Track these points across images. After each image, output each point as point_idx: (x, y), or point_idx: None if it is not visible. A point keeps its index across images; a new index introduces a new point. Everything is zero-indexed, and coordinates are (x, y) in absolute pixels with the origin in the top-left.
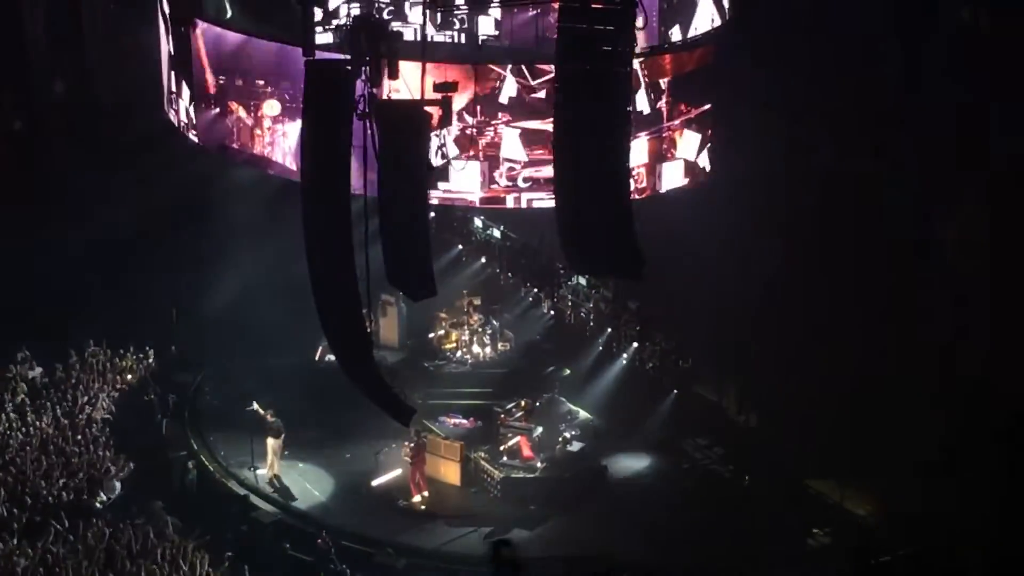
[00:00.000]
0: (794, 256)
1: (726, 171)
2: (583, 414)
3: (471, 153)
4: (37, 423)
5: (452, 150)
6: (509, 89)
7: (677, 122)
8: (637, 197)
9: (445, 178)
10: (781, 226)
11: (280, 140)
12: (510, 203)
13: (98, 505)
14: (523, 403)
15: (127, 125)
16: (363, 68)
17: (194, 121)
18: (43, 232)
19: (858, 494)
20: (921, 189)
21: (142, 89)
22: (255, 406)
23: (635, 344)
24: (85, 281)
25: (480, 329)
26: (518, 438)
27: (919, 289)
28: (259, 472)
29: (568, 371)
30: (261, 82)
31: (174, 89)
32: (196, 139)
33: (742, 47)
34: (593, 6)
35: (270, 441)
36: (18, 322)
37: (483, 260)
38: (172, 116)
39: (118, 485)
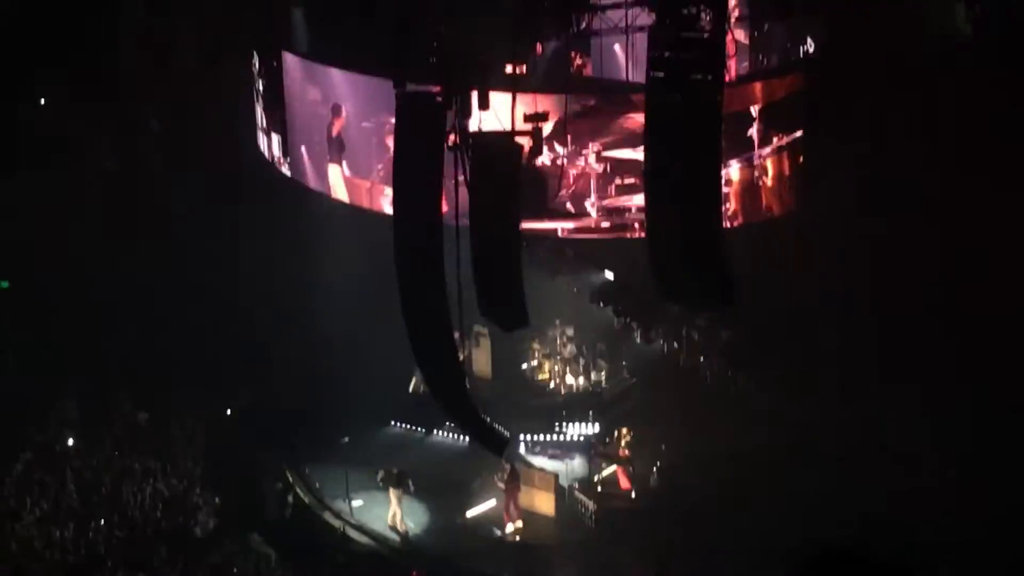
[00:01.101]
0: (887, 287)
1: (818, 199)
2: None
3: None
4: (135, 456)
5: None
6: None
7: (768, 150)
8: (728, 225)
9: (538, 208)
10: (874, 257)
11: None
12: (601, 233)
13: (197, 534)
14: (619, 433)
15: (223, 160)
16: (454, 99)
17: (286, 155)
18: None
19: None
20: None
21: (237, 124)
22: (380, 475)
23: (729, 373)
24: (185, 315)
25: (573, 359)
26: (613, 468)
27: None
28: (355, 504)
29: (664, 400)
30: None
31: (266, 123)
32: (288, 172)
33: (834, 74)
34: (683, 35)
35: (392, 491)
36: (121, 357)
37: (575, 290)
38: (265, 150)
39: (213, 519)
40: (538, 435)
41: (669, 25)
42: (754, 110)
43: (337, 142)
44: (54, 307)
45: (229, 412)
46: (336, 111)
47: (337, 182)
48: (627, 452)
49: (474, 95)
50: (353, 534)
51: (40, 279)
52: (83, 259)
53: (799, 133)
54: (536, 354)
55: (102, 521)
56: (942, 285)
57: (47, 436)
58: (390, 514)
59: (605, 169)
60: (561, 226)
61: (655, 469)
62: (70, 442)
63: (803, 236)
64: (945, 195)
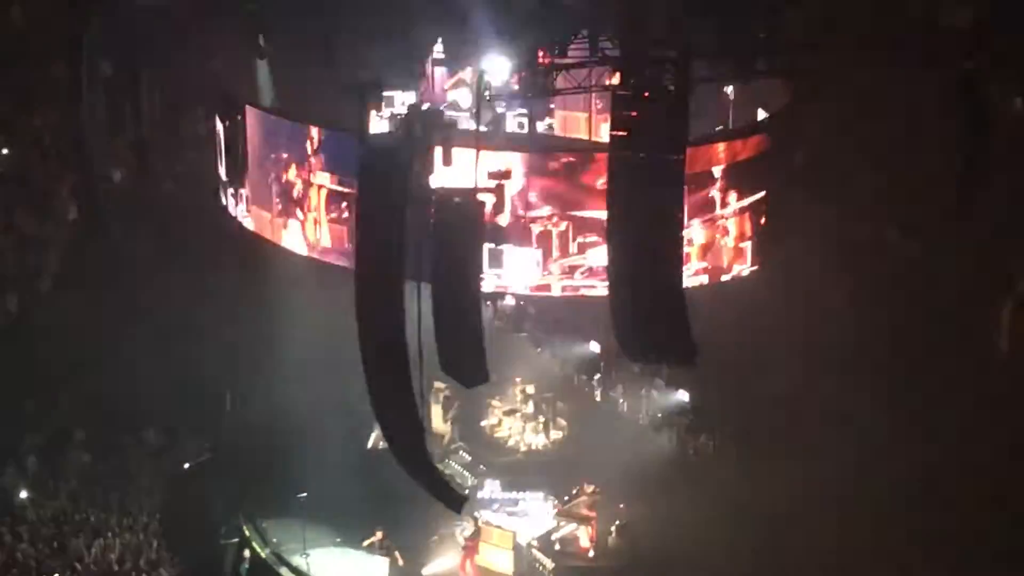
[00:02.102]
0: (848, 346)
1: (779, 259)
2: (635, 504)
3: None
4: (91, 509)
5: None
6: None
7: (731, 210)
8: (690, 284)
9: (499, 265)
10: (834, 316)
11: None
12: (561, 291)
13: None
14: (579, 490)
15: (184, 212)
16: (417, 155)
17: (246, 207)
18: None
19: None
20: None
21: (198, 176)
22: (366, 543)
23: (687, 432)
24: (144, 366)
25: (533, 417)
26: (572, 526)
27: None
28: (311, 559)
29: (622, 459)
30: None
31: (226, 176)
32: (249, 225)
33: (798, 135)
34: (646, 95)
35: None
36: (77, 406)
37: (538, 349)
38: (226, 202)
39: (170, 572)
40: (497, 492)
41: (633, 85)
42: (717, 170)
43: (293, 197)
44: (10, 357)
45: (187, 466)
46: (289, 164)
47: (296, 236)
48: (586, 511)
49: (437, 151)
50: None
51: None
52: (41, 309)
53: (762, 193)
54: (496, 411)
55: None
56: (904, 344)
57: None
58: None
59: (567, 228)
60: (523, 284)
61: (614, 528)
62: (23, 494)
63: (766, 296)
64: (908, 256)
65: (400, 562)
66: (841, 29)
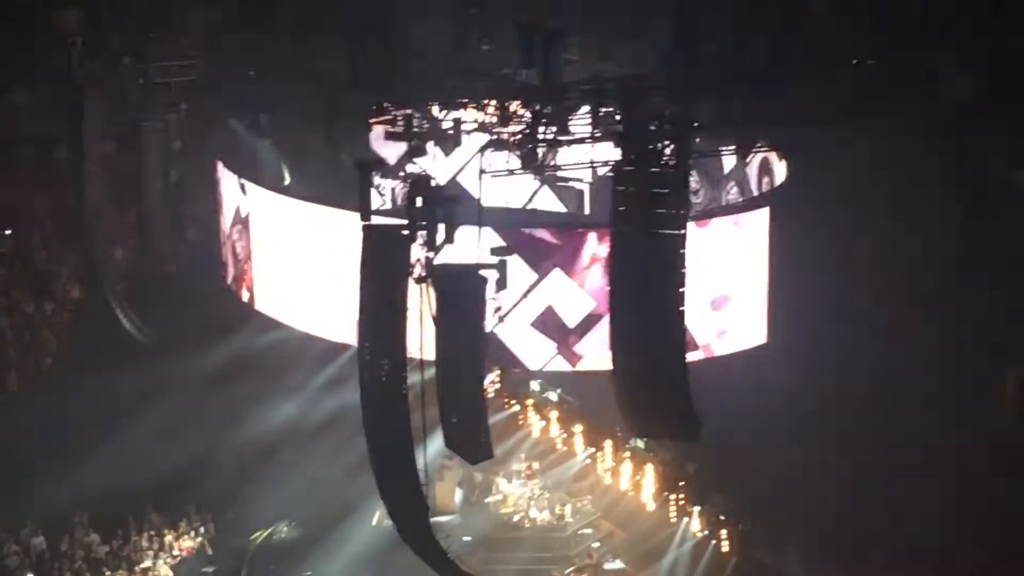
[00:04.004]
0: (854, 416)
1: (783, 334)
2: None
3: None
4: None
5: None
6: None
7: (736, 282)
8: (693, 359)
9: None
10: (841, 386)
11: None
12: (566, 366)
13: None
14: (584, 563)
15: (186, 292)
16: (419, 232)
17: (250, 286)
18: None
19: None
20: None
21: (201, 255)
22: None
23: (694, 507)
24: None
25: (537, 493)
26: None
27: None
28: None
29: (624, 534)
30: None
31: (229, 256)
32: (252, 303)
33: (798, 207)
34: (648, 170)
35: None
36: (76, 488)
37: (541, 423)
38: (230, 281)
39: None
40: (503, 568)
41: (634, 160)
42: (718, 242)
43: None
44: (11, 436)
45: (189, 543)
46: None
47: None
48: None
49: (440, 228)
50: None
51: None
52: (46, 388)
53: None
54: (500, 487)
55: None
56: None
57: (5, 568)
58: None
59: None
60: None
61: None
62: None
63: (770, 368)
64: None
65: None
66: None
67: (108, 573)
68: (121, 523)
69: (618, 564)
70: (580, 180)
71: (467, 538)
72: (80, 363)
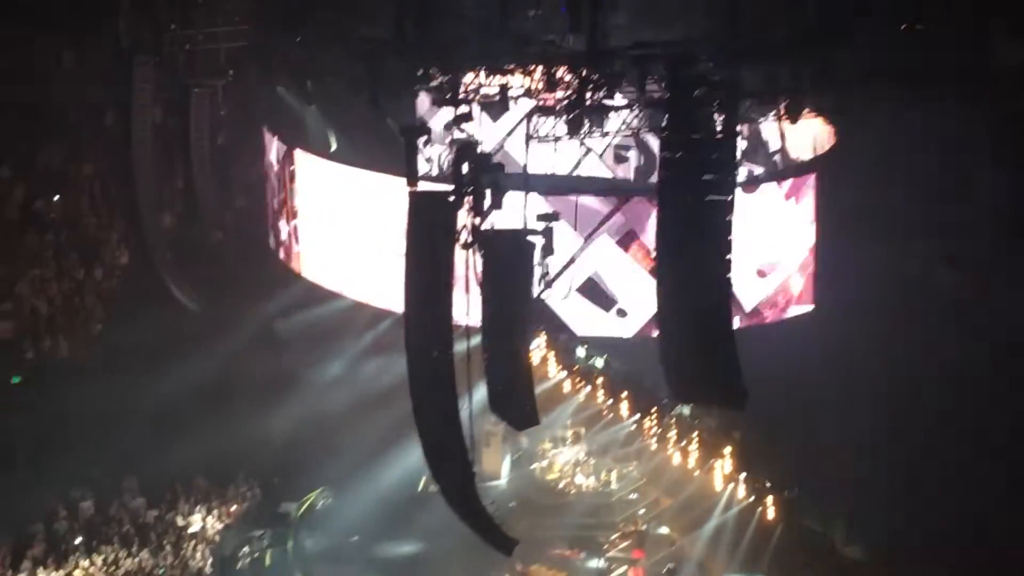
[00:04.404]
0: (903, 384)
1: (831, 298)
2: (688, 543)
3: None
4: (142, 556)
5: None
6: None
7: (782, 250)
8: (739, 326)
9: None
10: (889, 354)
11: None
12: (612, 333)
13: None
14: (629, 530)
15: (234, 256)
16: (466, 198)
17: (297, 252)
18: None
19: None
20: None
21: (248, 222)
22: None
23: (740, 474)
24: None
25: (583, 459)
26: (624, 568)
27: None
28: None
29: (671, 500)
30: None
31: (276, 222)
32: (298, 269)
33: (845, 173)
34: (695, 136)
35: None
36: (125, 451)
37: (587, 389)
38: (276, 246)
39: None
40: (548, 534)
41: (681, 126)
42: (767, 208)
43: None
44: (63, 401)
45: (235, 508)
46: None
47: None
48: (639, 553)
49: (486, 194)
50: None
51: (51, 373)
52: (94, 354)
53: (814, 232)
54: (546, 453)
55: None
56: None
57: (55, 533)
58: None
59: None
60: (572, 325)
61: (666, 571)
62: (78, 540)
63: (818, 334)
64: (964, 294)
65: None
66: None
67: (155, 537)
68: (169, 488)
69: (664, 530)
70: (627, 146)
71: (512, 504)
72: (127, 329)
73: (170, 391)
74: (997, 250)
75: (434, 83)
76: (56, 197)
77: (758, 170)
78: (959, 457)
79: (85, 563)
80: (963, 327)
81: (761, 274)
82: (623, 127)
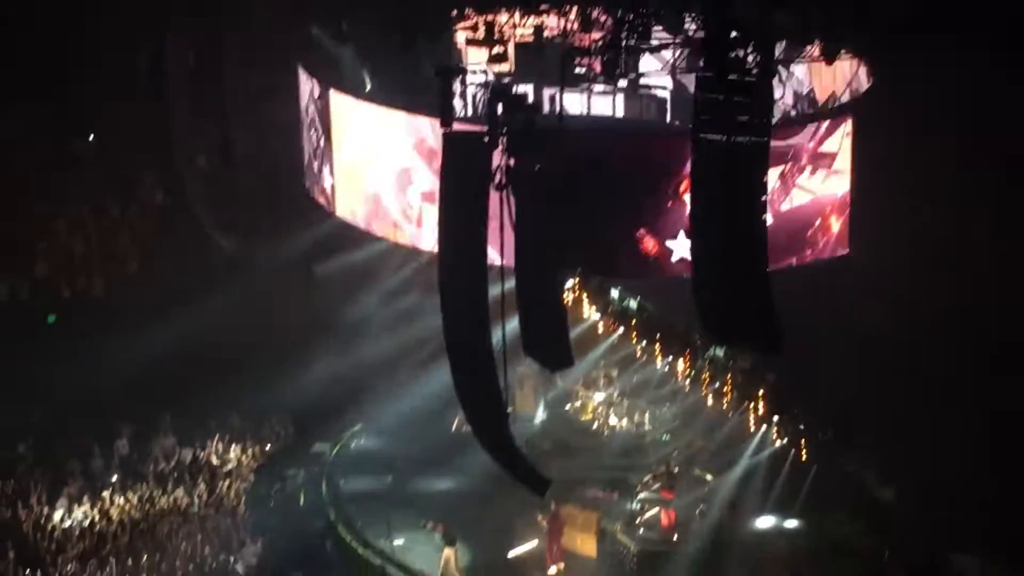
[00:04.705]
0: (936, 326)
1: (866, 241)
2: (721, 485)
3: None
4: (177, 493)
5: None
6: None
7: (818, 192)
8: (774, 268)
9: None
10: (922, 300)
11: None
12: (648, 273)
13: (239, 572)
14: (661, 471)
15: (268, 196)
16: (500, 139)
17: (330, 193)
18: (185, 299)
19: (1001, 571)
20: None
21: (282, 161)
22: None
23: (773, 417)
24: (231, 352)
25: (616, 401)
26: (657, 509)
27: None
28: (396, 543)
29: (704, 442)
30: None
31: (312, 161)
32: (332, 210)
33: (882, 116)
34: (730, 78)
35: (446, 551)
36: (161, 390)
37: (620, 330)
38: (310, 187)
39: (255, 556)
40: (581, 475)
41: (717, 68)
42: (803, 151)
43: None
44: (99, 342)
45: (269, 447)
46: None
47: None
48: (671, 494)
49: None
50: (394, 572)
51: (86, 314)
52: (128, 293)
53: (848, 176)
54: (580, 395)
55: (144, 557)
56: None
57: (91, 471)
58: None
59: None
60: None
61: (698, 512)
62: (115, 478)
63: (854, 278)
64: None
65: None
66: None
67: (189, 476)
68: (203, 427)
69: (696, 472)
70: (661, 88)
71: (546, 445)
72: (162, 269)
73: (204, 330)
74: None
75: (469, 23)
76: (91, 137)
77: (793, 113)
78: (995, 400)
79: (120, 500)
80: (1000, 270)
81: (795, 217)
82: (658, 69)
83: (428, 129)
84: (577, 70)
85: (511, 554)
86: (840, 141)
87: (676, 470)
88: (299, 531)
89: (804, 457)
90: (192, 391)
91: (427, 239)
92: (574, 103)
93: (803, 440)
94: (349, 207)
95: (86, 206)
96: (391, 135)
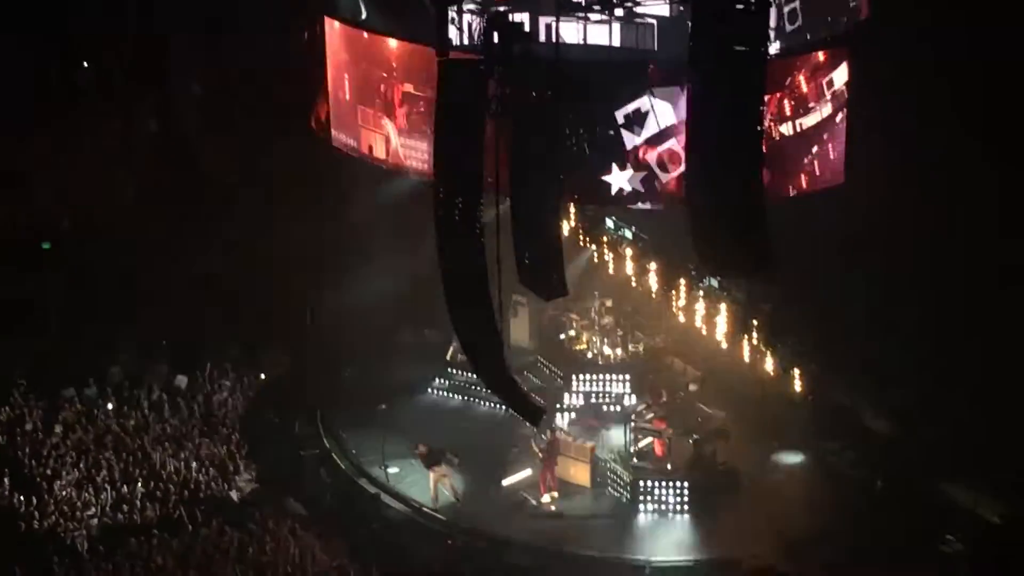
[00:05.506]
0: (929, 256)
1: (862, 171)
2: (715, 415)
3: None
4: (172, 420)
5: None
6: None
7: (812, 121)
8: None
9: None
10: (916, 227)
11: (410, 141)
12: (643, 201)
13: (234, 499)
14: (654, 401)
15: (263, 123)
16: (497, 68)
17: (327, 121)
18: (183, 230)
19: (992, 500)
20: None
21: (279, 88)
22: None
23: (767, 348)
24: (222, 281)
25: (611, 331)
26: (650, 439)
27: None
28: (391, 471)
29: (698, 372)
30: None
31: (308, 88)
32: (330, 139)
33: (877, 45)
34: (726, 6)
35: (435, 469)
36: (157, 317)
37: (616, 260)
38: (307, 112)
39: (249, 483)
40: (574, 404)
41: None
42: (801, 82)
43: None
44: (93, 270)
45: (264, 376)
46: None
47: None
48: (663, 423)
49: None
50: (388, 501)
51: (80, 241)
52: (123, 222)
53: (845, 106)
54: (574, 324)
55: (139, 484)
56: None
57: (86, 398)
58: (432, 488)
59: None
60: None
61: (691, 441)
62: (109, 406)
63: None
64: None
65: (455, 462)
66: None
67: (185, 405)
68: (199, 356)
69: (690, 402)
70: (657, 17)
71: (538, 381)
72: (159, 199)
73: (201, 260)
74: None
75: None
76: (85, 64)
77: (790, 42)
78: (987, 335)
79: (115, 427)
80: (990, 203)
81: (792, 146)
82: None
83: (424, 57)
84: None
85: (505, 482)
86: (836, 71)
87: (664, 399)
88: (293, 459)
89: (798, 388)
90: (189, 320)
91: (425, 166)
92: (570, 32)
93: (796, 371)
94: (343, 133)
95: (84, 136)
96: (386, 62)
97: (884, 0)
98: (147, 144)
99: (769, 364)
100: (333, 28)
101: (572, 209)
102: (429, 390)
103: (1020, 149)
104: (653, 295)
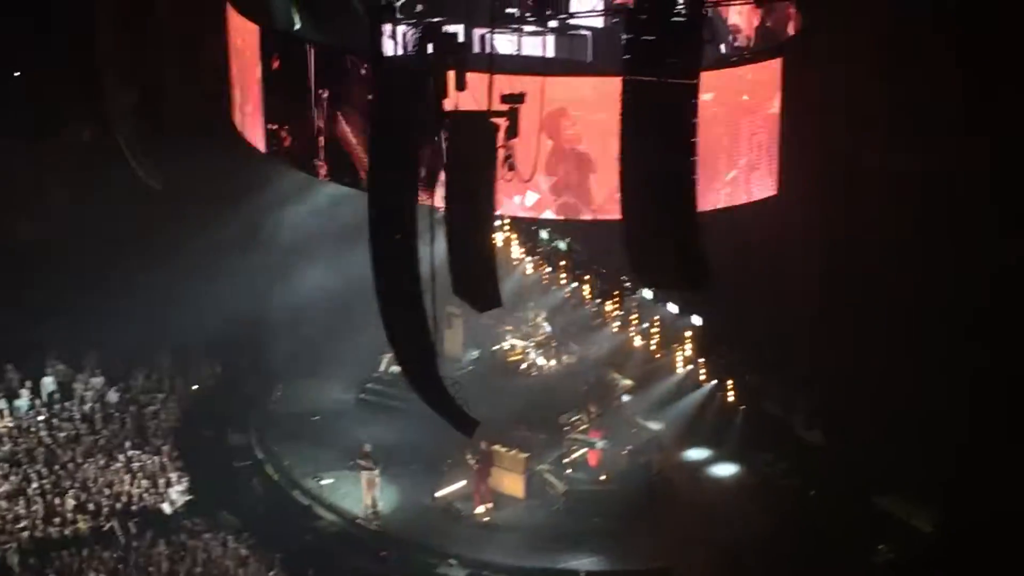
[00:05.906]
0: (860, 263)
1: (794, 180)
2: (648, 426)
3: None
4: (104, 431)
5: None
6: None
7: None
8: (703, 209)
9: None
10: (849, 236)
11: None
12: (576, 214)
13: (166, 511)
14: (588, 412)
15: (194, 132)
16: (431, 79)
17: (260, 130)
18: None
19: (924, 511)
20: (997, 193)
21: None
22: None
23: (700, 359)
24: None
25: (545, 342)
26: (584, 449)
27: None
28: (324, 483)
29: (631, 383)
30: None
31: (241, 98)
32: (262, 148)
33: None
34: (662, 18)
35: (364, 475)
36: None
37: (548, 272)
38: (240, 124)
39: (182, 495)
40: (508, 416)
41: (647, 8)
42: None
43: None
44: (26, 277)
45: (196, 387)
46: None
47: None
48: (598, 435)
49: (451, 75)
50: (322, 513)
51: (13, 247)
52: (57, 229)
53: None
54: (508, 336)
55: (70, 496)
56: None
57: (15, 409)
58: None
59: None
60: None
61: (625, 452)
62: (40, 417)
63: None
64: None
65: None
66: None
67: (118, 416)
68: (132, 365)
69: (625, 413)
70: (590, 29)
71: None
72: (90, 207)
73: (131, 267)
74: (957, 138)
75: None
76: (16, 73)
77: (722, 54)
78: (922, 344)
79: (47, 438)
80: (927, 214)
81: (724, 158)
82: (588, 10)
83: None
84: (508, 10)
85: (438, 494)
86: (770, 83)
87: (596, 411)
88: (226, 470)
89: (731, 399)
90: (121, 328)
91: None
92: (505, 44)
93: (730, 382)
94: (278, 143)
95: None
96: (321, 72)
97: (818, 12)
98: (78, 152)
99: (702, 374)
100: (268, 39)
101: (507, 220)
102: (362, 398)
103: (947, 152)
104: (587, 306)
